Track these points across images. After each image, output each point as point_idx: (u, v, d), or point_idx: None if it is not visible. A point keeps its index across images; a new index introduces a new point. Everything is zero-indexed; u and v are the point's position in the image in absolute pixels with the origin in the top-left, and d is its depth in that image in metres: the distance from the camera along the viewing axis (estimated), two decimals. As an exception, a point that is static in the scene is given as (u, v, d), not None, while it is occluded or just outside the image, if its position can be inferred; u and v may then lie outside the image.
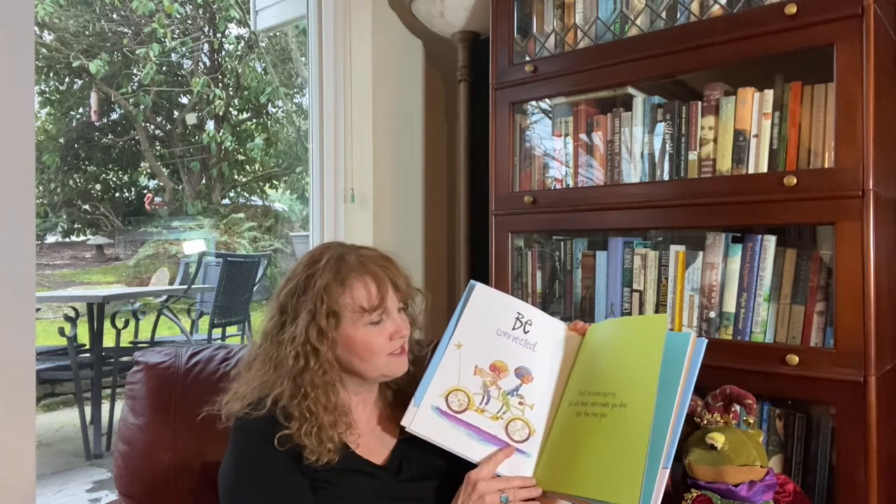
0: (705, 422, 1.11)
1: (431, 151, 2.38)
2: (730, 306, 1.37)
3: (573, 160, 1.65)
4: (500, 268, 1.70)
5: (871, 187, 1.18)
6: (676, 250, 1.45)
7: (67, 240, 11.42)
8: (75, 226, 11.45)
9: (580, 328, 1.12)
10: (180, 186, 11.14)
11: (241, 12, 9.30)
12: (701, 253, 1.42)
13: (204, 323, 4.44)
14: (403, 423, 1.03)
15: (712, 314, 1.40)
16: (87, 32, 10.15)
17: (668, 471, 0.89)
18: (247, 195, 11.85)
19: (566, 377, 1.07)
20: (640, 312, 1.50)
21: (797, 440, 1.33)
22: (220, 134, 10.40)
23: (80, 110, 11.00)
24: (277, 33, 9.40)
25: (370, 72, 2.17)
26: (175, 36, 10.16)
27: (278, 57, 10.28)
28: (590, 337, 1.10)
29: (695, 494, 1.06)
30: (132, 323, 4.03)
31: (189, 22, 10.65)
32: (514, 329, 1.09)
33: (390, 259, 1.09)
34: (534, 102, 1.77)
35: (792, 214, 1.27)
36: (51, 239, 11.32)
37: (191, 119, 10.92)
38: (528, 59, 1.69)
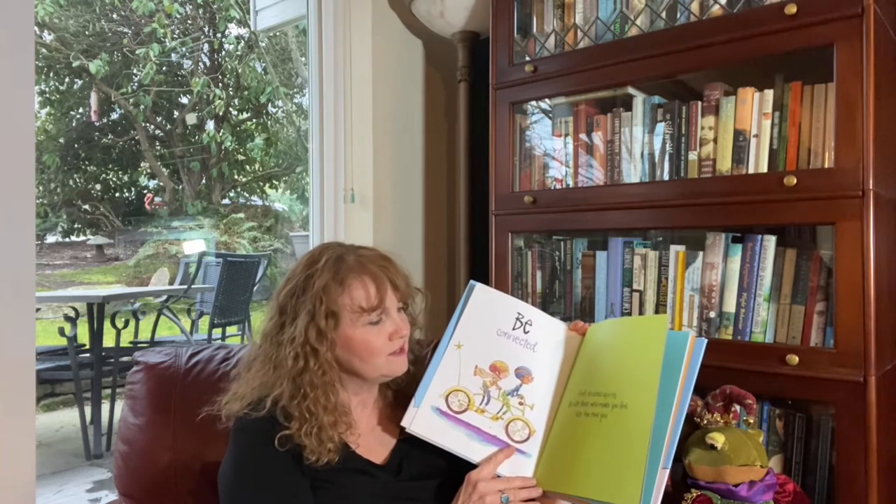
0: (705, 422, 1.11)
1: (431, 151, 2.38)
2: (730, 306, 1.37)
3: (573, 160, 1.65)
4: (500, 268, 1.70)
5: (871, 187, 1.18)
6: (676, 250, 1.45)
7: (67, 240, 11.42)
8: (75, 226, 11.45)
9: (580, 328, 1.12)
10: (180, 186, 11.14)
11: (241, 12, 9.30)
12: (701, 253, 1.42)
13: (204, 323, 4.45)
14: (403, 423, 1.03)
15: (712, 314, 1.40)
16: (87, 32, 10.14)
17: (668, 471, 0.89)
18: (247, 195, 11.85)
19: (566, 377, 1.07)
20: (640, 312, 1.50)
21: (797, 440, 1.33)
22: (220, 134, 10.40)
23: (80, 110, 11.00)
24: (277, 33, 9.41)
25: (370, 72, 2.17)
26: (175, 36, 10.16)
27: (278, 57, 10.28)
28: (590, 337, 1.10)
29: (695, 494, 1.06)
30: (132, 323, 4.03)
31: (189, 22, 10.65)
32: (514, 329, 1.09)
33: (389, 259, 1.08)
34: (534, 102, 1.77)
35: (792, 214, 1.27)
36: (51, 239, 11.32)
37: (191, 119, 10.92)
38: (528, 59, 1.69)
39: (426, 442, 1.02)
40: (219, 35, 10.46)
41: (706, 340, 0.99)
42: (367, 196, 2.19)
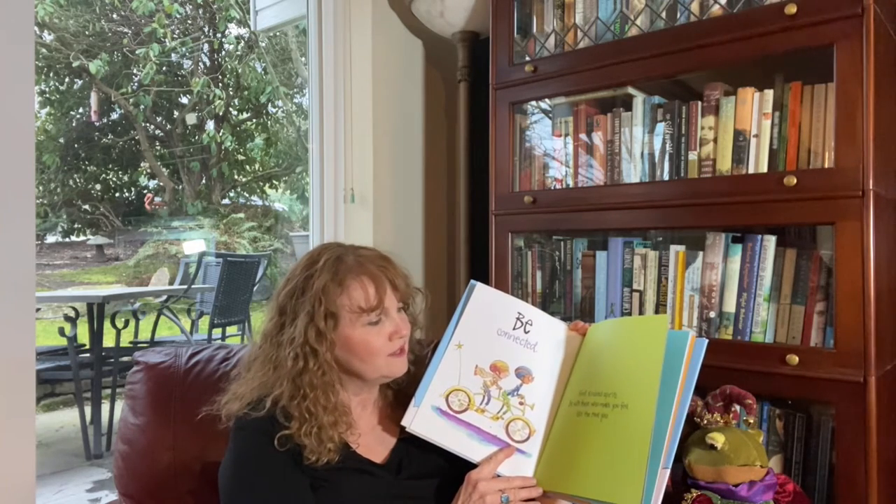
0: (705, 422, 1.11)
1: (431, 151, 2.38)
2: (730, 306, 1.37)
3: (573, 160, 1.65)
4: (500, 268, 1.70)
5: (871, 187, 1.18)
6: (676, 250, 1.45)
7: (67, 240, 11.42)
8: (75, 226, 11.45)
9: (581, 328, 1.12)
10: (180, 186, 11.14)
11: (241, 12, 9.30)
12: (701, 253, 1.42)
13: (204, 323, 4.45)
14: (404, 423, 1.03)
15: (712, 314, 1.40)
16: (87, 32, 10.14)
17: (668, 471, 0.89)
18: (247, 195, 11.85)
19: (567, 377, 1.07)
20: (640, 312, 1.50)
21: (797, 440, 1.33)
22: (220, 134, 10.39)
23: (80, 110, 11.00)
24: (277, 33, 9.40)
25: (370, 72, 2.17)
26: (175, 36, 10.16)
27: (278, 57, 10.27)
28: (590, 337, 1.10)
29: (695, 494, 1.06)
30: (132, 323, 4.03)
31: (189, 22, 10.65)
32: (514, 329, 1.09)
33: (388, 259, 1.08)
34: (534, 102, 1.77)
35: (792, 214, 1.27)
36: (51, 239, 11.32)
37: (191, 119, 10.92)
38: (528, 59, 1.69)
39: (426, 441, 1.02)
40: (219, 35, 10.46)
41: (706, 340, 0.99)
42: (367, 196, 2.19)
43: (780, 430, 1.34)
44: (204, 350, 1.39)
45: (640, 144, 1.53)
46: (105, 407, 3.51)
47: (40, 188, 10.55)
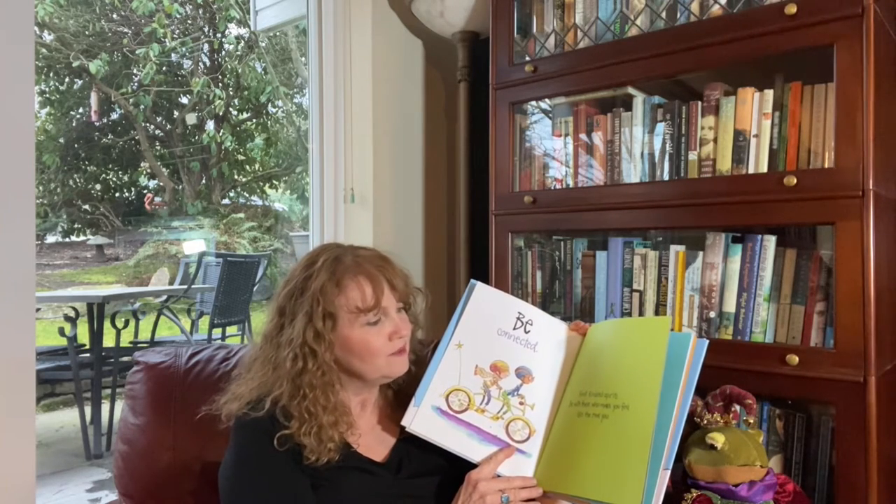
0: (705, 422, 1.11)
1: (431, 151, 2.38)
2: (730, 306, 1.37)
3: (573, 160, 1.65)
4: (500, 268, 1.70)
5: (871, 187, 1.18)
6: (676, 250, 1.45)
7: (67, 240, 11.42)
8: (75, 226, 11.45)
9: (581, 328, 1.12)
10: (180, 186, 11.14)
11: (241, 12, 9.30)
12: (701, 253, 1.42)
13: (204, 323, 4.45)
14: (404, 423, 1.03)
15: (712, 314, 1.40)
16: (87, 32, 10.14)
17: (668, 472, 0.89)
18: (247, 195, 11.85)
19: (567, 377, 1.07)
20: (640, 313, 1.50)
21: (797, 440, 1.33)
22: (220, 134, 10.40)
23: (80, 110, 11.00)
24: (277, 33, 9.40)
25: (370, 72, 2.17)
26: (175, 36, 10.16)
27: (278, 57, 10.27)
28: (591, 337, 1.10)
29: (695, 494, 1.06)
30: (132, 323, 4.03)
31: (189, 22, 10.66)
32: (514, 329, 1.09)
33: (387, 259, 1.08)
34: (534, 102, 1.77)
35: (792, 214, 1.27)
36: (51, 239, 11.32)
37: (191, 119, 10.93)
38: (528, 59, 1.69)
39: (426, 441, 1.02)
40: (219, 35, 10.46)
41: (707, 342, 0.99)
42: (367, 196, 2.19)
43: (780, 430, 1.34)
44: (204, 350, 1.39)
45: (640, 144, 1.53)
46: (105, 407, 3.51)
47: (40, 188, 10.55)
